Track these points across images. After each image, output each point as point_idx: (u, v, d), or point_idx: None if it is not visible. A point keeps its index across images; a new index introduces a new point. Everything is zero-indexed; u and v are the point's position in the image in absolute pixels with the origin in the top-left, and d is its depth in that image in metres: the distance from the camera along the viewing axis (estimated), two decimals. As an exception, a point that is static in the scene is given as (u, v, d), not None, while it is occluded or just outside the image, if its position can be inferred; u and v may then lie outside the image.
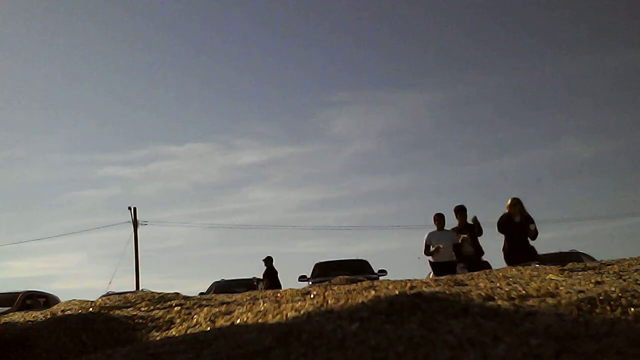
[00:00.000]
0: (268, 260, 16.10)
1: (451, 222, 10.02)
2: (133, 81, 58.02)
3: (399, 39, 57.83)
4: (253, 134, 58.01)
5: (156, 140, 58.75)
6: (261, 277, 16.16)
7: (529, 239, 8.79)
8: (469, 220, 9.75)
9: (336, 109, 57.48)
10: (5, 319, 5.60)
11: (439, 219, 10.18)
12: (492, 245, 9.68)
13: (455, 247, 9.69)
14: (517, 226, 8.75)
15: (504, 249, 8.83)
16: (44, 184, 54.52)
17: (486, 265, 9.28)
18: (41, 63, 54.36)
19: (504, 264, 8.54)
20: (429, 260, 10.05)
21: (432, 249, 9.90)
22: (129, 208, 32.03)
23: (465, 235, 9.63)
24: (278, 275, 16.01)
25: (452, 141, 57.08)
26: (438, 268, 9.68)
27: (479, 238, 9.75)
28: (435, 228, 10.28)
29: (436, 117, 57.45)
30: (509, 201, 8.94)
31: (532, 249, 8.84)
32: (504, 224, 8.80)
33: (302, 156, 57.49)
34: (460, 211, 9.95)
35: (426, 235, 10.21)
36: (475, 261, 9.45)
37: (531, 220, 8.81)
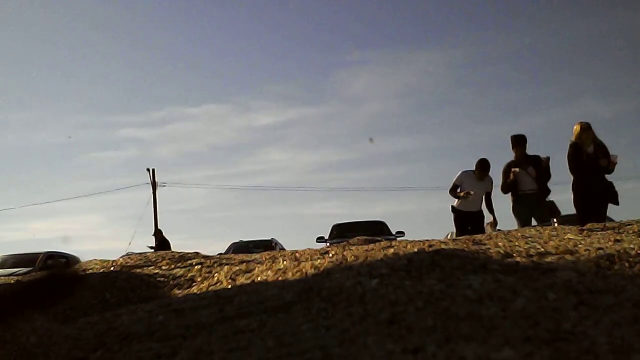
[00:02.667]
0: (158, 233, 16.38)
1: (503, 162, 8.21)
2: (149, 43, 57.92)
3: (417, -1, 57.15)
4: (269, 95, 58.05)
5: (173, 102, 59.00)
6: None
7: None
8: (538, 156, 7.94)
9: (353, 69, 57.30)
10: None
11: (483, 167, 8.43)
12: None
13: (510, 185, 7.92)
14: (590, 157, 7.20)
15: (574, 187, 7.35)
16: (62, 146, 54.99)
17: (553, 207, 7.97)
18: (59, 26, 54.35)
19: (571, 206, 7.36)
20: (452, 206, 8.62)
21: (459, 191, 8.42)
22: (148, 170, 32.24)
23: (516, 170, 7.81)
24: (170, 245, 16.26)
25: (470, 101, 56.86)
26: (462, 217, 8.47)
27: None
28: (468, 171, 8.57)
29: (454, 77, 57.16)
30: (577, 127, 7.36)
31: (611, 185, 7.35)
32: (575, 155, 7.24)
33: (318, 117, 57.50)
34: (519, 142, 8.01)
35: (459, 173, 8.58)
36: (537, 201, 7.85)
37: (606, 149, 7.27)
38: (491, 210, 8.62)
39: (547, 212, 7.85)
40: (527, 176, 7.89)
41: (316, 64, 61.21)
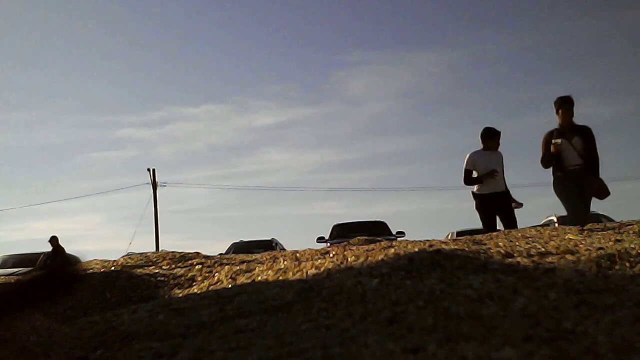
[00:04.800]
0: (54, 240, 16.23)
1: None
2: (149, 43, 57.95)
3: None
4: (269, 95, 58.10)
5: (172, 102, 59.12)
6: (48, 256, 16.26)
7: None
8: (586, 126, 6.60)
9: (353, 69, 57.36)
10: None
11: (491, 135, 7.28)
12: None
13: (551, 159, 6.59)
14: None
15: None
16: (62, 146, 55.06)
17: (602, 185, 6.58)
18: (59, 26, 54.38)
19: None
20: (473, 192, 7.31)
21: (475, 174, 7.20)
22: (148, 170, 32.25)
23: (557, 141, 6.49)
24: (65, 251, 16.11)
25: (470, 101, 56.90)
26: (487, 201, 7.11)
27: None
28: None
29: (454, 78, 57.22)
30: None
31: None
32: None
33: (318, 117, 57.62)
34: (565, 105, 6.61)
35: (467, 157, 7.33)
36: (584, 178, 6.51)
37: None
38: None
39: (595, 192, 6.63)
40: (572, 149, 6.61)
41: (316, 64, 61.39)
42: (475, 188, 7.30)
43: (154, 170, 32.19)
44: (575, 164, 6.56)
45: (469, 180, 7.32)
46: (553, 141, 6.54)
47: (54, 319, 3.75)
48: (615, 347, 1.60)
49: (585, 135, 6.60)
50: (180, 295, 4.13)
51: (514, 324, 1.86)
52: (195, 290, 4.20)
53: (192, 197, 63.54)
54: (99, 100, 57.44)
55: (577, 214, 6.36)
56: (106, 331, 2.79)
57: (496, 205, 7.13)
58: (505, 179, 7.40)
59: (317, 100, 60.94)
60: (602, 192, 6.64)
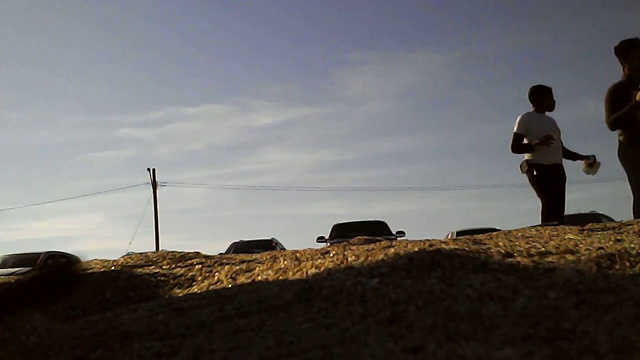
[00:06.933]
0: None
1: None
2: (149, 43, 58.01)
3: (417, -1, 57.39)
4: (268, 95, 58.20)
5: (172, 102, 59.21)
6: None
7: None
8: None
9: (353, 69, 57.44)
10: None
11: (545, 92, 6.24)
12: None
13: (627, 115, 5.21)
14: None
15: None
16: (62, 146, 55.12)
17: None
18: (59, 26, 54.44)
19: None
20: (526, 161, 6.17)
21: (527, 140, 6.15)
22: (148, 169, 32.37)
23: None
24: None
25: (470, 101, 57.02)
26: (548, 173, 6.06)
27: None
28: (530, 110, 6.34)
29: (454, 77, 57.33)
30: None
31: None
32: None
33: (318, 117, 57.74)
34: (636, 48, 5.37)
35: (519, 118, 6.25)
36: None
37: None
38: (574, 154, 6.39)
39: None
40: None
41: (316, 64, 61.54)
42: (529, 156, 6.23)
43: (154, 170, 32.32)
44: None
45: (518, 147, 6.26)
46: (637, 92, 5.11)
47: (54, 319, 3.75)
48: (615, 347, 1.59)
49: None
50: (180, 295, 4.12)
51: (514, 324, 1.86)
52: (195, 290, 4.20)
53: (192, 197, 63.81)
54: (99, 100, 57.68)
55: None
56: (106, 331, 2.78)
57: (556, 179, 6.19)
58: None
59: (317, 100, 61.16)
60: None
